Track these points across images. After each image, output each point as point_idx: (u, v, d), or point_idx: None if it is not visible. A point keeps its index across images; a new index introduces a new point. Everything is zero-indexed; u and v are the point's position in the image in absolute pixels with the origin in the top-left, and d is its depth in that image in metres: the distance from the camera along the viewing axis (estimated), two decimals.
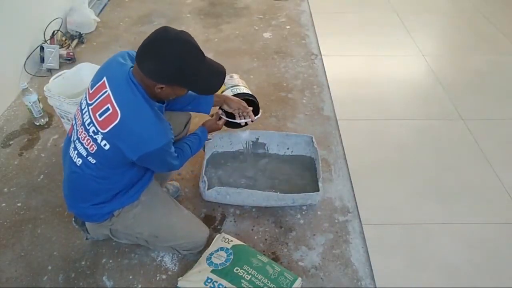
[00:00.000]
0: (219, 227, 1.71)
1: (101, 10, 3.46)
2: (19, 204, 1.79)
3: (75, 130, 1.31)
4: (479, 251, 1.64)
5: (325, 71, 2.73)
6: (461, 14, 3.52)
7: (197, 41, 1.26)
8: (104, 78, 1.24)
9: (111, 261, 1.57)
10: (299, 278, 1.45)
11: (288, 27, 3.27)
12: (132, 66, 1.24)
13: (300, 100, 2.46)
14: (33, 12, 2.60)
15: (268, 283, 1.39)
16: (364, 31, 3.22)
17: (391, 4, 3.65)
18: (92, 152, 1.24)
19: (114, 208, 1.38)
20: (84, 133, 1.25)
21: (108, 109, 1.19)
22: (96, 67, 2.08)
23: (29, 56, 2.55)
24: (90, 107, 1.24)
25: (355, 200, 1.84)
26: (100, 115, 1.21)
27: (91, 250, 1.60)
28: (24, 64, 2.52)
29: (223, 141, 1.99)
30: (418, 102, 2.48)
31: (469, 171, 2.00)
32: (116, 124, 1.18)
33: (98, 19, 3.19)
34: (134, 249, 1.60)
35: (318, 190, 1.73)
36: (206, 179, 1.72)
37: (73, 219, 1.58)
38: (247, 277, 1.40)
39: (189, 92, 1.33)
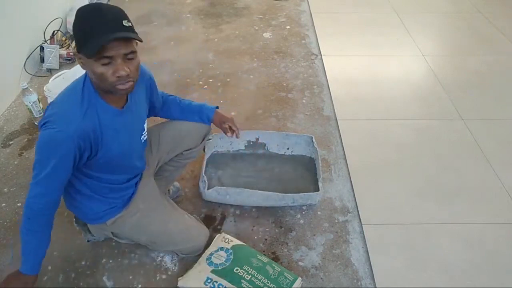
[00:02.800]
0: (219, 227, 1.71)
1: None
2: (19, 204, 1.79)
3: None
4: (479, 251, 1.64)
5: (325, 71, 2.73)
6: (461, 14, 3.52)
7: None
8: None
9: (111, 261, 1.57)
10: (299, 278, 1.45)
11: (288, 27, 3.27)
12: None
13: (300, 100, 2.46)
14: (33, 12, 2.60)
15: (268, 283, 1.39)
16: (364, 31, 3.22)
17: (391, 4, 3.65)
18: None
19: (104, 217, 1.38)
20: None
21: None
22: None
23: (29, 56, 2.55)
24: None
25: (355, 200, 1.84)
26: None
27: (91, 250, 1.60)
28: (24, 64, 2.52)
29: (223, 141, 1.99)
30: (418, 102, 2.48)
31: (469, 171, 2.00)
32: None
33: None
34: (134, 249, 1.60)
35: (318, 190, 1.73)
36: (206, 179, 1.72)
37: (74, 219, 1.58)
38: (247, 277, 1.40)
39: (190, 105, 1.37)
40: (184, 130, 1.56)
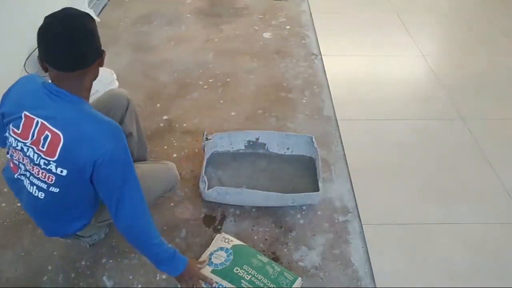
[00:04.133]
0: (219, 227, 1.71)
1: (101, 10, 3.46)
2: (19, 204, 1.79)
3: (24, 169, 1.22)
4: (479, 251, 1.64)
5: (325, 71, 2.73)
6: (461, 14, 3.52)
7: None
8: (25, 113, 1.15)
9: (111, 261, 1.57)
10: (299, 278, 1.45)
11: (288, 27, 3.27)
12: (43, 82, 1.17)
13: (300, 100, 2.46)
14: (33, 12, 2.59)
15: (268, 283, 1.39)
16: (364, 31, 3.22)
17: (391, 4, 3.65)
18: (52, 182, 1.18)
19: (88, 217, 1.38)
20: (37, 168, 1.18)
21: (47, 136, 1.12)
22: None
23: (29, 56, 2.55)
24: (29, 145, 1.16)
25: (355, 200, 1.84)
26: (43, 146, 1.13)
27: (91, 250, 1.60)
28: (24, 64, 2.51)
29: (223, 141, 1.99)
30: (418, 102, 2.48)
31: (469, 171, 2.00)
32: (62, 144, 1.12)
33: (98, 19, 3.19)
34: (134, 249, 1.60)
35: (318, 190, 1.73)
36: (206, 179, 1.72)
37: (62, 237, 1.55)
38: (247, 277, 1.40)
39: None
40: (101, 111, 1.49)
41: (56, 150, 1.13)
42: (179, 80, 2.61)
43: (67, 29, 1.08)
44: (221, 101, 2.44)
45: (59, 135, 1.11)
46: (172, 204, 1.79)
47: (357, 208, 1.80)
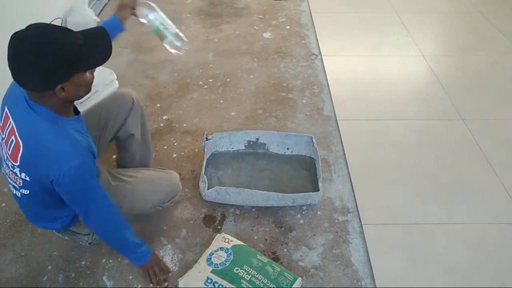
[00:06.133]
0: (219, 227, 1.71)
1: (101, 10, 3.46)
2: None
3: (4, 165, 1.24)
4: (479, 251, 1.64)
5: (325, 71, 2.73)
6: (461, 14, 3.52)
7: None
8: (6, 109, 1.17)
9: (111, 261, 1.57)
10: (299, 278, 1.45)
11: (288, 27, 3.27)
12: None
13: (300, 100, 2.46)
14: (33, 12, 2.60)
15: (268, 283, 1.39)
16: (364, 31, 3.22)
17: (391, 4, 3.65)
18: (21, 185, 1.19)
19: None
20: (8, 169, 1.20)
21: (12, 140, 1.13)
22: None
23: None
24: (3, 141, 1.18)
25: (355, 200, 1.84)
26: (9, 148, 1.15)
27: (91, 250, 1.60)
28: None
29: (223, 141, 1.99)
30: (418, 102, 2.48)
31: (469, 171, 2.00)
32: (21, 154, 1.12)
33: (98, 19, 3.18)
34: None
35: (318, 190, 1.73)
36: (206, 179, 1.72)
37: (58, 233, 1.55)
38: (247, 277, 1.40)
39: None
40: (104, 112, 1.53)
41: (17, 157, 1.13)
42: (179, 80, 2.61)
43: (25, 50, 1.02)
44: (221, 101, 2.44)
45: (19, 144, 1.12)
46: (172, 204, 1.78)
47: (357, 208, 1.80)
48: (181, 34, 1.44)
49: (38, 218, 1.41)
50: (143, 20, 1.45)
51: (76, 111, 1.25)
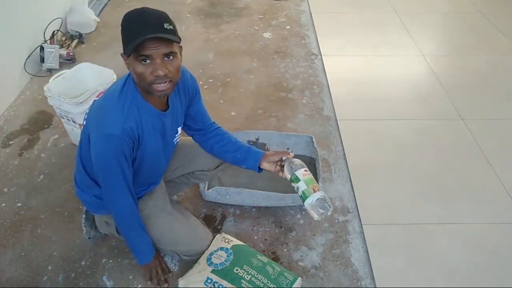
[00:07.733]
0: (219, 227, 1.71)
1: (101, 10, 3.46)
2: (19, 204, 1.79)
3: None
4: (479, 251, 1.64)
5: (325, 71, 2.73)
6: (461, 14, 3.52)
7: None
8: None
9: (111, 261, 1.57)
10: (299, 278, 1.45)
11: (288, 27, 3.28)
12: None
13: (300, 100, 2.46)
14: (33, 12, 2.60)
15: (268, 283, 1.39)
16: (364, 31, 3.22)
17: (391, 4, 3.65)
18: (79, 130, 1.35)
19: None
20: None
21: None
22: (96, 67, 2.10)
23: (29, 56, 2.55)
24: None
25: (355, 200, 1.84)
26: None
27: (91, 250, 1.60)
28: (24, 64, 2.52)
29: None
30: (418, 102, 2.48)
31: (469, 171, 2.00)
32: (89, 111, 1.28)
33: (98, 19, 3.19)
34: None
35: None
36: None
37: (84, 215, 1.57)
38: (247, 277, 1.40)
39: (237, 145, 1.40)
40: (198, 151, 1.55)
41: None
42: None
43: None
44: (221, 101, 2.44)
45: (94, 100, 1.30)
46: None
47: (357, 208, 1.80)
48: (327, 200, 1.24)
49: (78, 180, 1.45)
50: (287, 176, 1.30)
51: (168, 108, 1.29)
